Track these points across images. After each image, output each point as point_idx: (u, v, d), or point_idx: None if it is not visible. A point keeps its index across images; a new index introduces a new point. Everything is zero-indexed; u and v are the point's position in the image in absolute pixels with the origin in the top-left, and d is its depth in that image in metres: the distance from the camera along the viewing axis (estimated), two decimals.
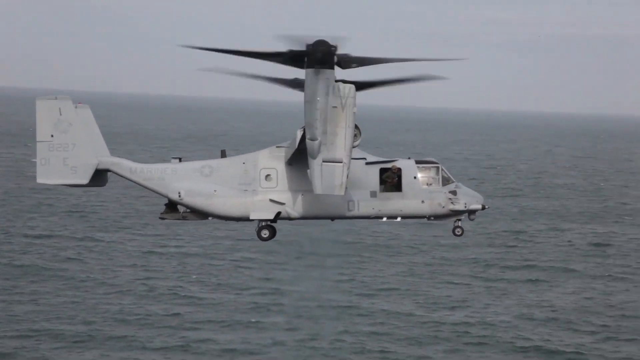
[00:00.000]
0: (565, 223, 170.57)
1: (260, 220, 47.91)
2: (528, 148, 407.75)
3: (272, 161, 47.85)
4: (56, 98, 47.86)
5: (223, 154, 49.29)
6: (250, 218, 47.86)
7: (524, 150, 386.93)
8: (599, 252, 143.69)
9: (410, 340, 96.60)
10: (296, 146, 45.46)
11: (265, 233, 48.03)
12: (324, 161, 43.31)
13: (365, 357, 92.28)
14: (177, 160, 49.08)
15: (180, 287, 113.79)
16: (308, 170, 44.69)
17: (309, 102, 42.51)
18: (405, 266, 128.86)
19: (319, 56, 41.58)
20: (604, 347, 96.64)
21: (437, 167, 48.70)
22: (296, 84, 47.27)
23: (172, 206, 48.95)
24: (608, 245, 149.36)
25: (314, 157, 43.47)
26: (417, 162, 48.87)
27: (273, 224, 48.22)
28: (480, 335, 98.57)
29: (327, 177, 43.35)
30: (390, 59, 42.62)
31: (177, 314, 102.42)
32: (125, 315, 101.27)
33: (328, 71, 41.99)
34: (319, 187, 43.75)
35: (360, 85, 43.39)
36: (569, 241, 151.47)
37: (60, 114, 47.52)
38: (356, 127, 43.94)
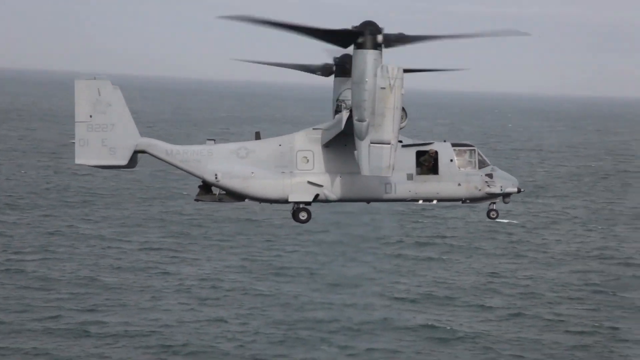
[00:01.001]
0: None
1: (297, 203, 48.01)
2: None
3: (308, 143, 47.97)
4: (95, 78, 47.52)
5: (257, 136, 49.01)
6: (289, 200, 47.90)
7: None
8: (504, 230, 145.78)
9: (310, 322, 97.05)
10: (342, 127, 45.46)
11: (303, 215, 48.06)
12: (371, 142, 43.34)
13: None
14: (212, 141, 48.64)
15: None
16: (355, 152, 44.81)
17: (358, 83, 42.69)
18: (315, 245, 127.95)
19: (367, 37, 41.90)
20: (506, 326, 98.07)
21: (474, 150, 49.06)
22: (325, 70, 49.26)
23: (206, 188, 48.64)
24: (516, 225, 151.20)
25: (362, 139, 43.48)
26: (453, 145, 49.17)
27: (308, 207, 48.23)
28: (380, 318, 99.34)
29: (374, 158, 43.41)
30: (436, 36, 42.72)
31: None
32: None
33: (376, 52, 42.18)
34: (366, 169, 43.77)
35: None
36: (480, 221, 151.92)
37: (99, 95, 47.20)
38: (402, 109, 43.82)
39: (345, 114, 45.12)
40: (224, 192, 48.27)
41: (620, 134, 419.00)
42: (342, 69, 49.50)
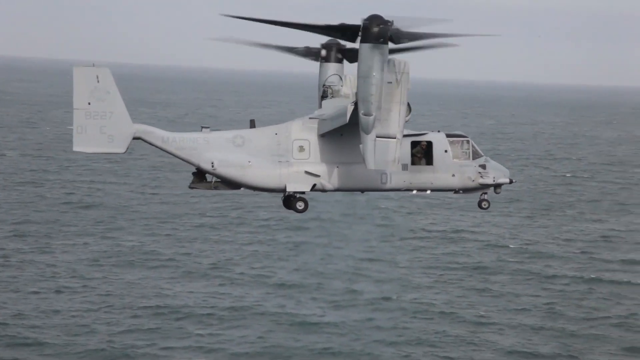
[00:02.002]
0: None
1: (295, 192, 47.62)
2: None
3: (304, 132, 47.54)
4: (94, 65, 46.65)
5: (252, 124, 48.56)
6: (287, 190, 47.54)
7: None
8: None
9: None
10: (347, 120, 44.92)
11: (300, 205, 47.65)
12: (377, 137, 43.34)
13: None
14: (207, 129, 47.91)
15: None
16: (360, 145, 44.08)
17: (364, 77, 42.36)
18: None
19: (374, 31, 41.62)
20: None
21: (468, 141, 49.10)
22: (308, 53, 49.36)
23: (200, 175, 47.93)
24: None
25: (368, 133, 43.36)
26: (447, 135, 49.01)
27: (304, 196, 47.95)
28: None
29: (380, 152, 43.51)
30: (443, 34, 42.53)
31: None
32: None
33: (383, 46, 41.94)
34: (371, 163, 43.74)
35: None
36: None
37: (98, 82, 46.31)
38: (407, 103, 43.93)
39: (350, 107, 44.59)
40: (219, 180, 47.78)
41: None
42: (327, 53, 49.54)
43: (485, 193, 49.46)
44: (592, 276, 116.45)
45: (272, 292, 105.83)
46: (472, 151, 48.94)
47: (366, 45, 41.93)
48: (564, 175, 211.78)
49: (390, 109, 42.80)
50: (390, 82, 42.34)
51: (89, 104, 46.35)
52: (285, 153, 47.25)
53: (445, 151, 48.52)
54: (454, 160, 48.57)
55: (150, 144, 47.46)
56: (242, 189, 48.00)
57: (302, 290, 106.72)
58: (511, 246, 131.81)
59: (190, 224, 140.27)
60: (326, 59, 49.67)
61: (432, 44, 43.63)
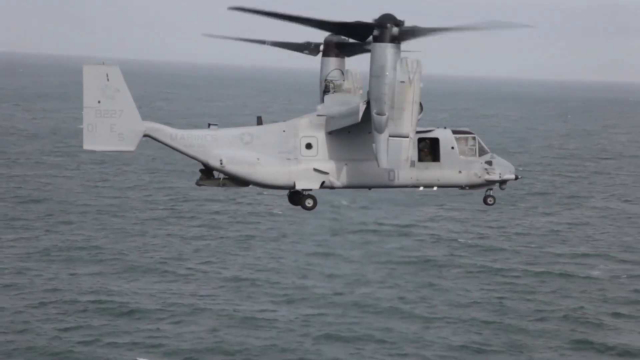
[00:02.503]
0: None
1: (304, 190, 47.52)
2: None
3: (312, 130, 47.41)
4: (103, 64, 46.37)
5: (259, 121, 48.24)
6: (297, 187, 47.42)
7: None
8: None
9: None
10: (359, 119, 44.70)
11: (309, 202, 47.54)
12: (390, 136, 43.23)
13: None
14: (216, 126, 47.73)
15: None
16: (373, 144, 44.00)
17: (377, 76, 42.41)
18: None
19: (387, 30, 41.77)
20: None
21: (474, 138, 49.16)
22: (306, 48, 49.35)
23: (207, 172, 47.66)
24: None
25: (381, 132, 43.32)
26: (454, 132, 49.12)
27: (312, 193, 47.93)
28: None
29: (393, 151, 43.44)
30: (456, 27, 42.46)
31: None
32: None
33: (396, 45, 42.07)
34: (384, 162, 43.70)
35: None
36: None
37: (108, 80, 46.03)
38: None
39: (362, 106, 44.38)
40: (226, 177, 47.51)
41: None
42: (328, 48, 49.55)
43: (491, 189, 49.80)
44: (542, 270, 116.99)
45: (222, 286, 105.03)
46: (478, 147, 49.19)
47: (379, 45, 42.13)
48: (516, 168, 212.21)
49: (403, 108, 42.82)
50: (403, 82, 42.39)
51: (99, 102, 46.09)
52: (293, 150, 47.23)
53: (452, 148, 48.64)
54: (461, 156, 48.75)
55: (159, 141, 47.23)
56: (249, 186, 47.94)
57: (253, 286, 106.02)
58: (461, 240, 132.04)
59: (139, 218, 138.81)
60: (327, 54, 49.90)
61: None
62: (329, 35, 48.84)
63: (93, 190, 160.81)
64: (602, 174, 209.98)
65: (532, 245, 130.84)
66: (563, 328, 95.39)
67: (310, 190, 47.61)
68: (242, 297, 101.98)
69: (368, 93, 43.62)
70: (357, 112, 44.77)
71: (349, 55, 49.44)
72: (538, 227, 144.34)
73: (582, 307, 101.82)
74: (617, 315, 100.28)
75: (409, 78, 42.39)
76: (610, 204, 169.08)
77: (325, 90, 49.71)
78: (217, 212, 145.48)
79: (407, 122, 42.97)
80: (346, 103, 48.05)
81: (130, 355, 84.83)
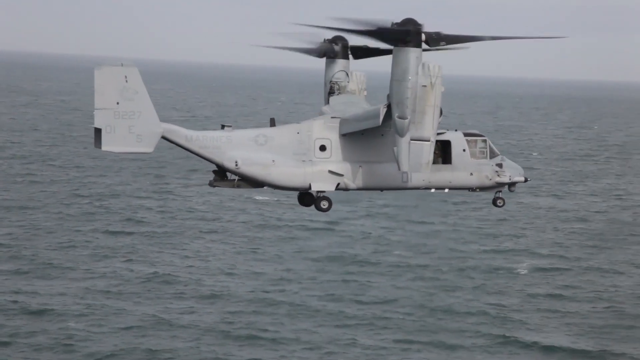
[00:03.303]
0: None
1: (319, 192, 48.08)
2: None
3: (326, 131, 47.77)
4: (122, 65, 46.30)
5: (272, 122, 48.68)
6: (312, 189, 47.98)
7: None
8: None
9: None
10: (379, 123, 45.36)
11: (324, 204, 48.09)
12: (412, 139, 43.92)
13: None
14: (230, 127, 48.07)
15: None
16: (394, 148, 44.71)
17: (399, 80, 43.12)
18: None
19: (409, 34, 42.46)
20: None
21: (485, 140, 49.74)
22: (314, 50, 50.80)
23: (220, 173, 47.96)
24: None
25: (402, 135, 43.97)
26: (465, 134, 49.68)
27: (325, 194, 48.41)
28: None
29: (415, 155, 44.11)
30: (481, 36, 43.31)
31: None
32: None
33: (418, 50, 42.76)
34: (405, 165, 44.41)
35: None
36: None
37: (127, 81, 46.02)
38: None
39: (383, 110, 44.93)
40: (241, 179, 47.90)
41: None
42: (333, 50, 50.82)
43: (500, 191, 50.32)
44: (466, 265, 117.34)
45: (145, 285, 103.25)
46: (489, 150, 49.75)
47: (402, 49, 42.79)
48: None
49: (425, 112, 43.47)
50: (425, 86, 43.03)
51: (118, 103, 46.03)
52: (307, 152, 47.67)
53: (464, 150, 49.23)
54: (472, 159, 49.34)
55: (174, 143, 47.25)
56: (264, 187, 48.30)
57: (176, 284, 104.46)
58: (392, 238, 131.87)
59: (55, 217, 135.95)
60: (333, 56, 51.11)
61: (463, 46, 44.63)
62: (334, 37, 50.39)
63: (18, 186, 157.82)
64: (532, 170, 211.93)
65: (461, 241, 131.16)
66: (487, 324, 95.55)
67: (324, 192, 48.12)
68: (165, 295, 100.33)
69: (388, 96, 44.16)
70: (377, 115, 45.27)
71: (355, 58, 50.81)
72: (467, 224, 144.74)
73: (503, 304, 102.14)
74: (540, 310, 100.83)
75: (431, 82, 43.11)
76: (539, 200, 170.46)
77: (330, 92, 51.14)
78: (143, 208, 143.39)
79: (429, 126, 43.75)
80: (351, 104, 49.53)
81: (46, 356, 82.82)
